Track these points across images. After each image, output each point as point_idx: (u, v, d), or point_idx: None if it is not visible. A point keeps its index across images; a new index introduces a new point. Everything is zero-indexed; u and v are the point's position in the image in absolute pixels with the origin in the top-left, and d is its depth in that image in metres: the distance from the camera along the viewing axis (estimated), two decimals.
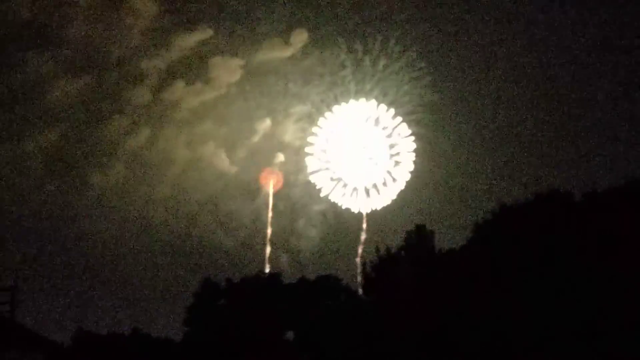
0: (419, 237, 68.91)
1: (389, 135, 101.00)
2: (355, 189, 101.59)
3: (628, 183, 58.98)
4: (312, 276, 76.85)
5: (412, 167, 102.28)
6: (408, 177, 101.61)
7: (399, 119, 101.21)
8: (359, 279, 77.53)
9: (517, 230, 59.70)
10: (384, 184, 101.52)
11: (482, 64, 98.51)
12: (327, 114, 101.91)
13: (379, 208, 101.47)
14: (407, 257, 67.37)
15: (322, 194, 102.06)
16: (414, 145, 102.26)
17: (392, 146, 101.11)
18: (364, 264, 70.10)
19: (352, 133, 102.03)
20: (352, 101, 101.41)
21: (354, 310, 67.04)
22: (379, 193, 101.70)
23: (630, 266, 53.63)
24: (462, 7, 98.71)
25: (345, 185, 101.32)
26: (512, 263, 58.21)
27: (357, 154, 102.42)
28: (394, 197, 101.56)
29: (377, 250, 69.28)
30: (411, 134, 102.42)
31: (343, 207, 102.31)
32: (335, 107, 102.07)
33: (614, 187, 59.62)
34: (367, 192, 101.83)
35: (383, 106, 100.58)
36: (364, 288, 70.11)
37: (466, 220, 70.91)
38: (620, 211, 55.80)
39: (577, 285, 55.17)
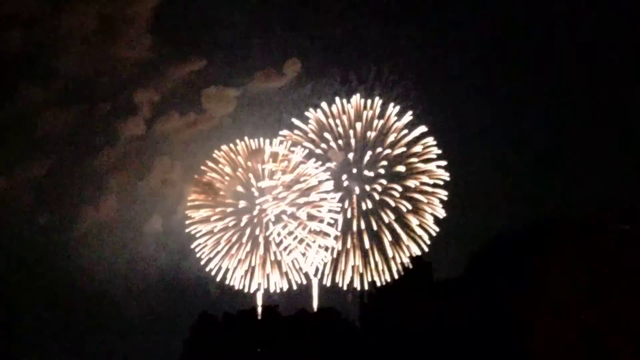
0: (416, 268, 69.93)
1: (397, 160, 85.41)
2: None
3: (624, 212, 60.42)
4: (309, 309, 77.53)
5: (441, 213, 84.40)
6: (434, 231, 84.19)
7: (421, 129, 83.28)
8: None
9: (514, 260, 61.02)
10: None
11: (476, 90, 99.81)
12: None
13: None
14: (405, 288, 68.33)
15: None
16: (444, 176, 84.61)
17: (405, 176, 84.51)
18: (361, 296, 71.02)
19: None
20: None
21: (353, 342, 67.95)
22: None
23: (628, 294, 55.00)
24: (457, 35, 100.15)
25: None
26: (509, 293, 59.44)
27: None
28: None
29: (375, 282, 70.50)
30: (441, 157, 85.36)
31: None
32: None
33: (610, 215, 61.00)
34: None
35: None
36: (362, 320, 70.91)
37: (463, 250, 71.77)
38: (616, 240, 57.26)
39: (575, 313, 56.46)
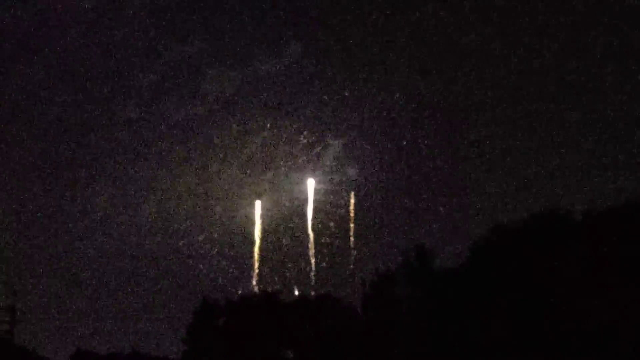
0: (418, 256, 70.56)
1: None
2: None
3: (629, 202, 61.06)
4: (310, 295, 78.30)
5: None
6: None
7: None
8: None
9: (514, 250, 61.78)
10: None
11: (477, 78, 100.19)
12: None
13: None
14: (406, 276, 69.03)
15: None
16: None
17: None
18: (363, 283, 71.77)
19: None
20: None
21: (353, 329, 68.84)
22: None
23: (630, 286, 55.79)
24: (462, 24, 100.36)
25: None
26: (509, 283, 60.27)
27: None
28: None
29: (377, 269, 71.30)
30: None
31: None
32: None
33: (614, 206, 61.67)
34: None
35: None
36: (363, 307, 71.71)
37: (466, 238, 72.22)
38: (620, 231, 57.95)
39: (576, 306, 57.25)
